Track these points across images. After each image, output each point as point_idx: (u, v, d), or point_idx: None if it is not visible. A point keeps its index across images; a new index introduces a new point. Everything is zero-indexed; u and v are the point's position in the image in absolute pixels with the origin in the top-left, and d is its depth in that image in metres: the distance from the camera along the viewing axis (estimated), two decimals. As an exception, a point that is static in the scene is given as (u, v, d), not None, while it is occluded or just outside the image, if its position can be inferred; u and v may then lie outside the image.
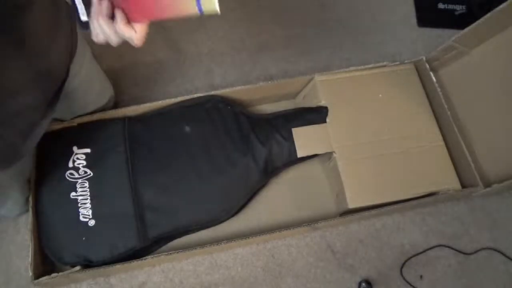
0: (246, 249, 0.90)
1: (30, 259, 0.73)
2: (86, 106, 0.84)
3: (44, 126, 0.66)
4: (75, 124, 0.84)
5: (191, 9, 0.45)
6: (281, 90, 0.96)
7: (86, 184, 0.78)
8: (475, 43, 0.87)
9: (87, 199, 0.77)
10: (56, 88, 0.65)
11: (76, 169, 0.79)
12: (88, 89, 0.80)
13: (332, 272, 0.90)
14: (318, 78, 0.90)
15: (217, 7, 0.43)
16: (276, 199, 0.93)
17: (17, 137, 0.59)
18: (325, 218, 0.84)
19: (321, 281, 0.90)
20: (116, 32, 0.48)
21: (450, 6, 1.19)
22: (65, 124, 0.84)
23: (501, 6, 0.75)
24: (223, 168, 0.83)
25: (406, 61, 0.94)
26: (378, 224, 0.95)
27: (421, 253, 0.92)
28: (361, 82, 0.91)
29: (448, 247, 0.94)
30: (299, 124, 0.87)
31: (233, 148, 0.84)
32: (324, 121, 0.87)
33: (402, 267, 0.91)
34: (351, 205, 0.81)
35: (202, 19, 1.12)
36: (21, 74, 0.53)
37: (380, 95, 0.91)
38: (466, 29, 0.82)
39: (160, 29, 1.11)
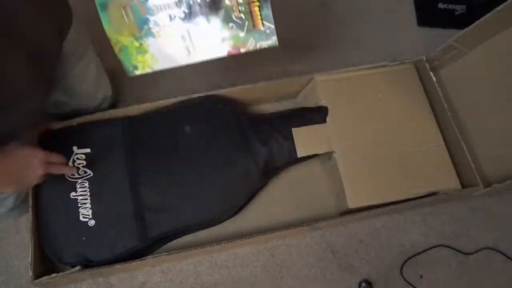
0: (246, 249, 0.90)
1: (30, 259, 0.73)
2: (83, 96, 0.84)
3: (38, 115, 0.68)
4: (75, 124, 0.84)
5: None
6: (281, 90, 0.96)
7: (86, 184, 0.78)
8: (475, 43, 0.87)
9: (87, 199, 0.77)
10: (49, 67, 0.66)
11: (76, 169, 0.79)
12: (84, 75, 0.81)
13: (332, 272, 0.90)
14: (318, 78, 0.90)
15: None
16: (276, 199, 0.93)
17: (10, 122, 0.60)
18: (325, 218, 0.84)
19: (321, 281, 0.90)
20: None
21: (450, 6, 1.19)
22: (65, 124, 0.84)
23: (501, 6, 0.75)
24: (223, 168, 0.83)
25: (406, 61, 0.94)
26: (378, 224, 0.95)
27: (421, 253, 0.93)
28: (361, 82, 0.91)
29: (448, 247, 0.94)
30: (299, 124, 0.87)
31: (233, 148, 0.84)
32: (324, 121, 0.87)
33: (402, 267, 0.91)
34: (351, 205, 0.81)
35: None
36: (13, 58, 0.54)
37: (380, 95, 0.91)
38: (466, 29, 0.82)
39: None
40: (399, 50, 1.12)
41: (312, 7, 1.17)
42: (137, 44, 0.59)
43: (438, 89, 0.89)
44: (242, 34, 0.56)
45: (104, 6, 0.57)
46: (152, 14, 0.56)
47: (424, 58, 0.92)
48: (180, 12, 0.56)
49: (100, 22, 0.57)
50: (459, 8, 1.18)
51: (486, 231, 0.96)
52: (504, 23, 0.80)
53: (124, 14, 0.57)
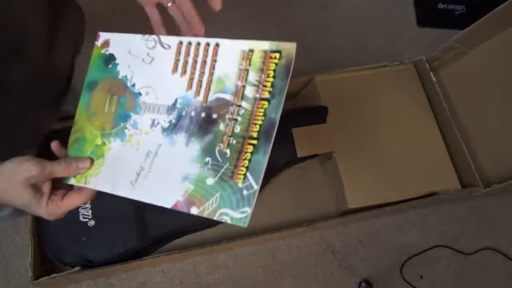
0: (246, 249, 0.90)
1: (30, 259, 0.73)
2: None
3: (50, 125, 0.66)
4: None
5: None
6: (281, 90, 0.96)
7: (86, 184, 0.78)
8: (475, 43, 0.86)
9: (87, 199, 0.77)
10: (61, 86, 0.65)
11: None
12: None
13: (332, 272, 0.90)
14: (318, 78, 0.90)
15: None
16: (276, 199, 0.93)
17: (22, 135, 0.59)
18: (325, 218, 0.84)
19: (321, 281, 0.89)
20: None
21: (450, 6, 1.19)
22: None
23: (501, 6, 0.74)
24: (223, 168, 0.83)
25: (406, 61, 0.94)
26: (378, 224, 0.95)
27: (421, 253, 0.92)
28: (361, 82, 0.91)
29: (448, 247, 0.94)
30: (299, 124, 0.87)
31: (233, 148, 0.84)
32: (324, 121, 0.87)
33: (402, 267, 0.91)
34: (351, 205, 0.81)
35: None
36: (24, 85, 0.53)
37: (380, 95, 0.91)
38: (466, 29, 0.82)
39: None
40: (399, 50, 1.12)
41: (312, 7, 1.17)
42: (99, 142, 0.47)
43: (438, 89, 0.89)
44: (210, 182, 0.39)
45: (92, 86, 0.48)
46: (137, 113, 0.46)
47: (424, 58, 0.92)
48: (166, 120, 0.44)
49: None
50: (459, 8, 1.18)
51: (486, 231, 0.96)
52: (504, 23, 0.80)
53: (108, 102, 0.47)
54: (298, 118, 0.89)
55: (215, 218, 0.39)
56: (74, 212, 0.77)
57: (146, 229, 0.78)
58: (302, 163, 0.92)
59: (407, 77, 0.93)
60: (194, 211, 0.39)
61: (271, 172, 0.88)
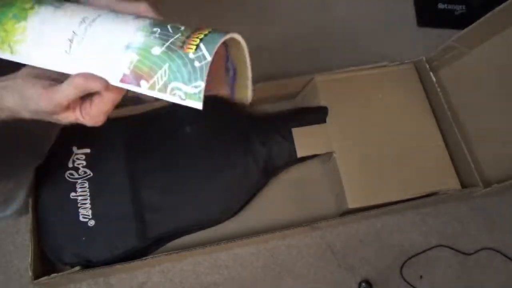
0: (246, 249, 0.90)
1: (30, 259, 0.73)
2: None
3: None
4: (74, 124, 0.84)
5: (225, 93, 0.44)
6: (281, 90, 0.96)
7: (86, 184, 0.78)
8: (475, 43, 0.86)
9: (86, 199, 0.77)
10: None
11: (76, 169, 0.79)
12: None
13: (332, 272, 0.90)
14: (318, 78, 0.90)
15: (249, 99, 0.41)
16: (276, 199, 0.93)
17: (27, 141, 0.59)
18: (325, 218, 0.84)
19: (321, 281, 0.89)
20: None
21: (450, 6, 1.19)
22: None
23: (501, 6, 0.74)
24: (223, 168, 0.83)
25: (406, 61, 0.94)
26: (378, 224, 0.95)
27: (421, 253, 0.92)
28: (361, 82, 0.91)
29: (448, 247, 0.94)
30: (299, 124, 0.87)
31: (233, 148, 0.84)
32: (324, 121, 0.87)
33: (402, 267, 0.91)
34: (351, 205, 0.81)
35: (202, 18, 1.12)
36: None
37: (380, 95, 0.91)
38: (466, 29, 0.82)
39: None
40: (399, 50, 1.11)
41: (312, 7, 1.17)
42: (28, 6, 0.38)
43: (438, 89, 0.89)
44: (156, 52, 0.34)
45: None
46: None
47: (424, 58, 0.92)
48: None
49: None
50: (459, 8, 1.18)
51: (486, 231, 0.96)
52: (504, 23, 0.80)
53: None
54: (298, 118, 0.89)
55: (167, 94, 0.34)
56: (74, 212, 0.77)
57: (146, 229, 0.78)
58: (302, 163, 0.92)
59: (407, 77, 0.93)
60: (144, 85, 0.34)
61: (271, 172, 0.88)
